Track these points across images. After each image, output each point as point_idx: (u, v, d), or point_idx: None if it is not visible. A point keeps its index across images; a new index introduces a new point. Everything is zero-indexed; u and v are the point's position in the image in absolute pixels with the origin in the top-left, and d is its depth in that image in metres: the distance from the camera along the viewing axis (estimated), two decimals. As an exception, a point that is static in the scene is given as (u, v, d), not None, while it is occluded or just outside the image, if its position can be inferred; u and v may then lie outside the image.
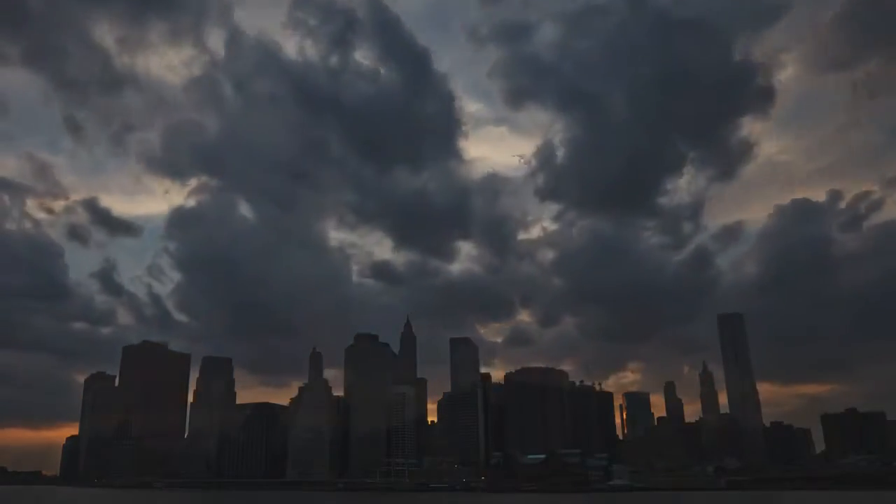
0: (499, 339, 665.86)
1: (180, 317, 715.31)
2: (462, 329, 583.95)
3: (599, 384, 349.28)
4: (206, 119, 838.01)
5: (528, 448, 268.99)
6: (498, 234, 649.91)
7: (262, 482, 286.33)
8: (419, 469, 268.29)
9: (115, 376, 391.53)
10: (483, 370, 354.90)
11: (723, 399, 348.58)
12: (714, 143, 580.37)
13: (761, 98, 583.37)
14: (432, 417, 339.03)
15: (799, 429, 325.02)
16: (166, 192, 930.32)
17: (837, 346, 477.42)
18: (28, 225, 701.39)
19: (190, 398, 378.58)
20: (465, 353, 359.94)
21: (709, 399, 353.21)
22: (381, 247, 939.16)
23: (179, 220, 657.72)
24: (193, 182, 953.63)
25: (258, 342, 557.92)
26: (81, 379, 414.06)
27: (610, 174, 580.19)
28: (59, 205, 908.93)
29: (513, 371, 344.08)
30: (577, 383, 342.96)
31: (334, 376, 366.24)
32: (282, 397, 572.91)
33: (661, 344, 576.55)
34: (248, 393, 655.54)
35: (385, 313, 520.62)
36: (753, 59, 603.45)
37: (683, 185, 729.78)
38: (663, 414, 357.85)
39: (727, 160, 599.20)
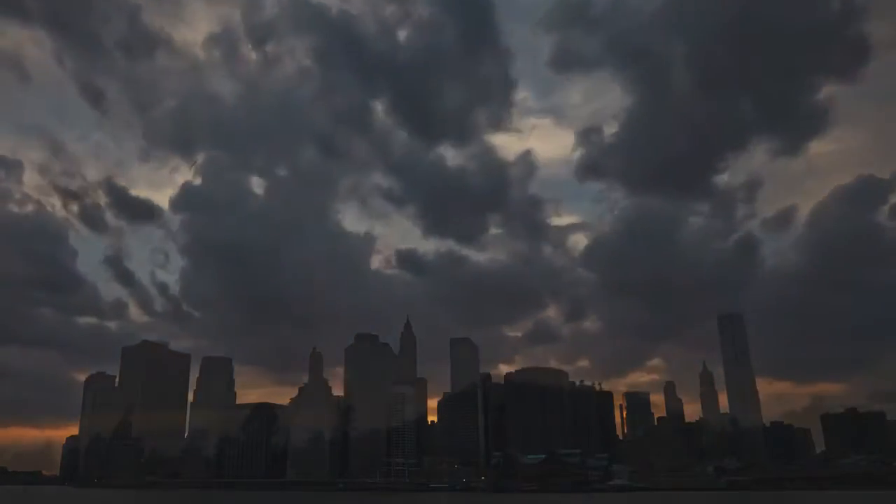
0: (519, 334, 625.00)
1: (188, 310, 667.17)
2: (486, 324, 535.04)
3: (599, 384, 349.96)
4: (221, 82, 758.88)
5: (528, 448, 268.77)
6: (531, 220, 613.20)
7: (262, 482, 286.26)
8: (419, 469, 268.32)
9: (115, 376, 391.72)
10: (506, 368, 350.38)
11: (723, 399, 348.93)
12: (784, 111, 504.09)
13: (851, 57, 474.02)
14: (432, 417, 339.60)
15: (799, 429, 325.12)
16: (173, 170, 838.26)
17: (852, 345, 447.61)
18: (33, 206, 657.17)
19: (190, 398, 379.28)
20: (464, 352, 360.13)
21: (709, 399, 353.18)
22: (408, 232, 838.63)
23: (186, 200, 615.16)
24: (201, 157, 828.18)
25: (265, 337, 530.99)
26: (84, 377, 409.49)
27: (663, 148, 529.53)
28: (72, 184, 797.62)
29: (513, 371, 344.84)
30: (578, 383, 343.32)
31: (334, 376, 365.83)
32: (282, 397, 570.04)
33: (687, 341, 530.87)
34: (249, 393, 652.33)
35: (400, 308, 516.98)
36: (852, 6, 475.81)
37: (743, 162, 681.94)
38: (663, 414, 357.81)
39: (796, 131, 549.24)
